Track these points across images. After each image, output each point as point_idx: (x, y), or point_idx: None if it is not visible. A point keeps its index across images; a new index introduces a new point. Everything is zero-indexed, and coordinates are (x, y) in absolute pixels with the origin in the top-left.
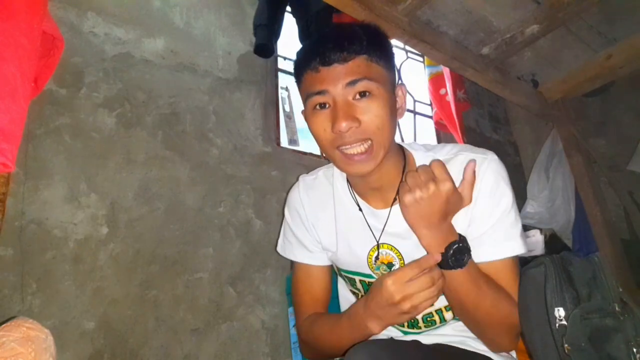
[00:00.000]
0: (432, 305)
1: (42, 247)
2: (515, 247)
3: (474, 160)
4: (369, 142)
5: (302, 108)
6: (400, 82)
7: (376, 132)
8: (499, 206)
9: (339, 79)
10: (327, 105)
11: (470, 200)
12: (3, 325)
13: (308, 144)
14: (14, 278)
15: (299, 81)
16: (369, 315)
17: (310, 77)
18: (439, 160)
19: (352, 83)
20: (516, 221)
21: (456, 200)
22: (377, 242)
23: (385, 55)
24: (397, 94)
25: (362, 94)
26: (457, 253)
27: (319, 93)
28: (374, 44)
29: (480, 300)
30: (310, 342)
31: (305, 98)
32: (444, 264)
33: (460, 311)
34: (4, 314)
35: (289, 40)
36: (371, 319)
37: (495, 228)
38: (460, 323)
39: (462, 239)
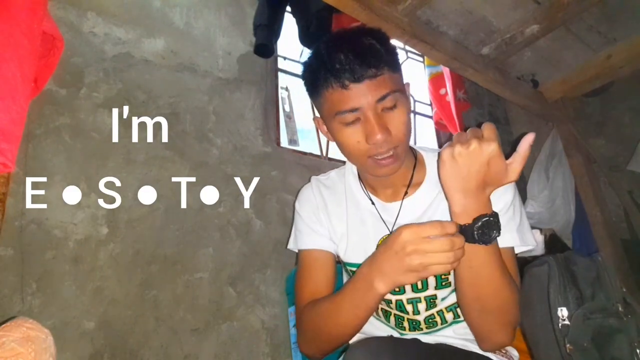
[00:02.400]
0: (445, 271)
1: (42, 247)
2: (506, 239)
3: (533, 133)
4: (396, 147)
5: (316, 115)
6: (406, 82)
7: (403, 138)
8: (498, 203)
9: (370, 95)
10: (358, 120)
11: (517, 178)
12: (3, 325)
13: (308, 144)
14: (14, 278)
15: (316, 94)
16: (375, 269)
17: (338, 93)
18: (490, 123)
19: (383, 98)
20: (514, 216)
21: (500, 169)
22: (390, 231)
23: (398, 61)
24: (408, 95)
25: (390, 108)
26: (485, 227)
27: (352, 111)
28: (390, 54)
29: (497, 285)
30: (310, 327)
31: (334, 115)
32: (468, 236)
33: (472, 293)
34: (4, 314)
35: (289, 40)
36: (377, 273)
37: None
38: (461, 325)
39: (494, 215)
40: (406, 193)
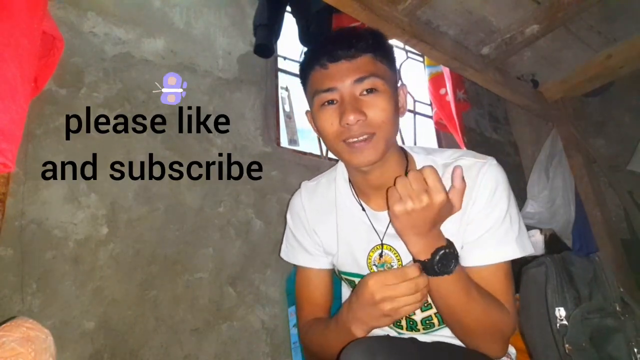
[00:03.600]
0: (415, 310)
1: (42, 247)
2: (508, 252)
3: (459, 167)
4: (373, 134)
5: (307, 109)
6: (401, 83)
7: (381, 125)
8: (493, 212)
9: (347, 76)
10: (334, 102)
11: (460, 207)
12: (3, 325)
13: (308, 144)
14: (14, 278)
15: (305, 81)
16: (352, 317)
17: (318, 74)
18: (431, 167)
19: (360, 80)
20: (512, 225)
21: (448, 208)
22: (382, 241)
23: (388, 56)
24: (399, 93)
25: (369, 90)
26: (443, 259)
27: (328, 90)
28: (378, 44)
29: (470, 308)
30: (308, 346)
31: (313, 95)
32: (429, 270)
33: (449, 318)
34: (4, 314)
35: (289, 40)
36: (354, 321)
37: (489, 233)
38: None
39: (449, 245)
40: None
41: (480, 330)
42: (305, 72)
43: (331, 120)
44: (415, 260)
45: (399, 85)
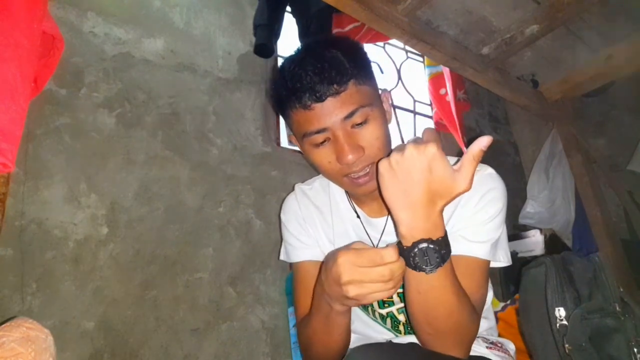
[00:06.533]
0: (384, 297)
1: (42, 247)
2: (480, 250)
3: (489, 137)
4: (373, 164)
5: (290, 133)
6: (382, 90)
7: (378, 153)
8: (485, 208)
9: (335, 114)
10: (326, 142)
11: (469, 185)
12: (3, 325)
13: None
14: (14, 278)
15: (286, 115)
16: (323, 291)
17: (301, 114)
18: (431, 127)
19: (350, 115)
20: (497, 229)
21: (444, 175)
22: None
23: (367, 71)
24: (383, 102)
25: (360, 123)
26: (423, 254)
27: (319, 132)
28: (356, 65)
29: (451, 309)
30: (302, 344)
31: (302, 136)
32: (406, 260)
33: (420, 316)
34: (4, 314)
35: (289, 40)
36: (325, 294)
37: (470, 228)
38: None
39: (439, 241)
40: None
41: (453, 331)
42: (284, 108)
43: (328, 158)
44: (398, 243)
45: (380, 93)
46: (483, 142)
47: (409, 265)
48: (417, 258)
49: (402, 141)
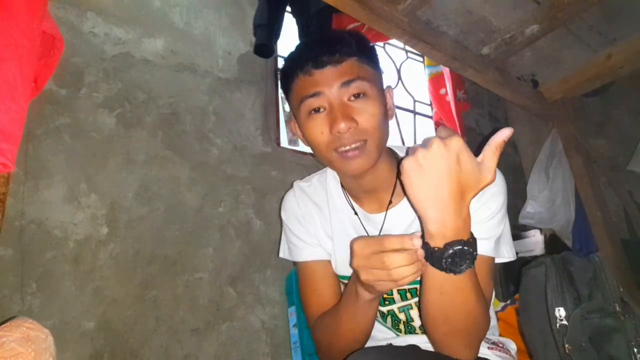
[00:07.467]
0: (395, 288)
1: (42, 247)
2: (490, 247)
3: (510, 128)
4: (365, 141)
5: (290, 119)
6: (387, 85)
7: (372, 131)
8: (486, 204)
9: (333, 81)
10: (321, 109)
11: (494, 176)
12: (3, 325)
13: None
14: (14, 278)
15: (288, 89)
16: (353, 277)
17: (302, 81)
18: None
19: (347, 83)
20: (499, 225)
21: (471, 166)
22: None
23: (373, 59)
24: (386, 95)
25: (357, 95)
26: (457, 256)
27: (314, 95)
28: (362, 47)
29: (465, 308)
30: (323, 342)
31: (299, 103)
32: (436, 263)
33: (438, 316)
34: (4, 314)
35: (289, 40)
36: (355, 280)
37: (480, 224)
38: None
39: (470, 242)
40: (390, 202)
41: (468, 331)
42: (288, 80)
43: (321, 128)
44: (424, 243)
45: (385, 87)
46: (505, 133)
47: (439, 267)
48: (449, 260)
49: (402, 141)
